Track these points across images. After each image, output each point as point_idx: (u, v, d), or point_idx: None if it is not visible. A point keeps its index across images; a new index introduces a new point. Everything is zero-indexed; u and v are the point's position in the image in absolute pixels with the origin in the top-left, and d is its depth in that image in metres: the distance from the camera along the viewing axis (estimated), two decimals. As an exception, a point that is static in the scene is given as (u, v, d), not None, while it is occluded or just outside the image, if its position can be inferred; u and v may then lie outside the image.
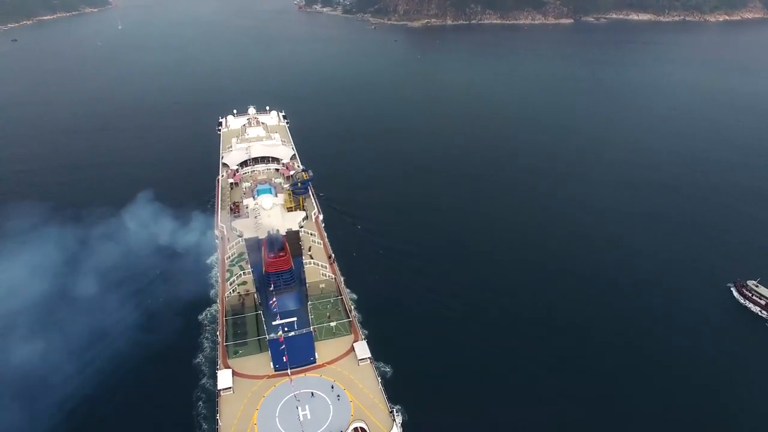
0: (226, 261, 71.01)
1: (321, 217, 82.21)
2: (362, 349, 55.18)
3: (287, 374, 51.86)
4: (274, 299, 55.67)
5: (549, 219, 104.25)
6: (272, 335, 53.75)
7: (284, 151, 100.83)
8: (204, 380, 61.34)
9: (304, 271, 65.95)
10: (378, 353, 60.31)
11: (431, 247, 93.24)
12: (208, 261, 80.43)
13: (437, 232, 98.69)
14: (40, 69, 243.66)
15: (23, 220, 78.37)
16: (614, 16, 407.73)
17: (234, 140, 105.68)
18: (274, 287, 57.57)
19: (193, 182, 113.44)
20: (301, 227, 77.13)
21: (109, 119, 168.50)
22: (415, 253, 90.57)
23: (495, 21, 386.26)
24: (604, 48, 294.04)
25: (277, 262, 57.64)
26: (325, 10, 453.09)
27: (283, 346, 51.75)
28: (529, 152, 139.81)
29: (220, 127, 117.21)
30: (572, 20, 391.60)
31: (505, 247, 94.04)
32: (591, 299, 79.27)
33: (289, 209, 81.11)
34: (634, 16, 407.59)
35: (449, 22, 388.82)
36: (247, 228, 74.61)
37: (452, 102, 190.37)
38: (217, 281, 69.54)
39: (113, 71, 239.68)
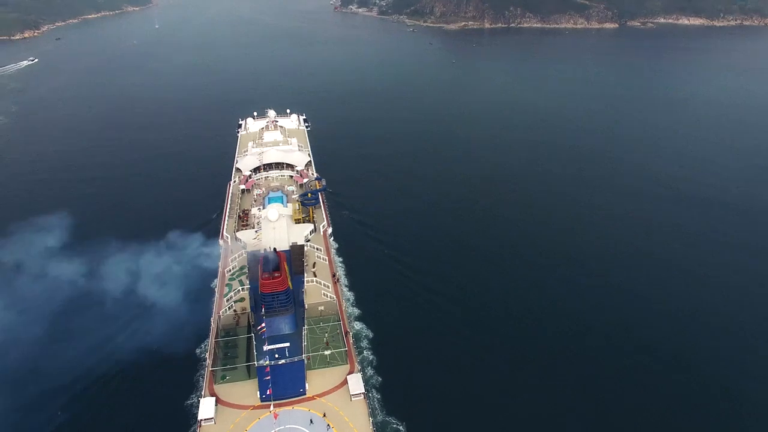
0: (226, 274, 68.01)
1: (330, 230, 78.27)
2: (356, 383, 50.73)
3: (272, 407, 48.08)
4: (263, 325, 51.90)
5: (611, 237, 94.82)
6: (261, 362, 50.18)
7: (299, 157, 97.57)
8: (188, 405, 57.52)
9: (304, 291, 62.19)
10: (379, 390, 56.18)
11: (462, 273, 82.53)
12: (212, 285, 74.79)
13: (474, 257, 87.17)
14: (74, 69, 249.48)
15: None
16: (663, 20, 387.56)
17: (250, 144, 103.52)
18: (266, 310, 53.88)
19: (209, 187, 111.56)
20: (308, 241, 73.43)
21: (132, 120, 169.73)
22: (439, 275, 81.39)
23: (535, 25, 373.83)
24: (652, 55, 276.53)
25: (272, 283, 53.96)
26: (360, 10, 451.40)
27: (268, 377, 47.99)
28: (572, 166, 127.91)
29: (239, 129, 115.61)
30: (617, 25, 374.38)
31: (558, 277, 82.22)
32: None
33: (297, 221, 77.43)
34: (685, 21, 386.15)
35: (487, 25, 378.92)
36: (251, 239, 71.57)
37: (485, 111, 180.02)
38: (214, 295, 66.33)
39: (144, 71, 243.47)
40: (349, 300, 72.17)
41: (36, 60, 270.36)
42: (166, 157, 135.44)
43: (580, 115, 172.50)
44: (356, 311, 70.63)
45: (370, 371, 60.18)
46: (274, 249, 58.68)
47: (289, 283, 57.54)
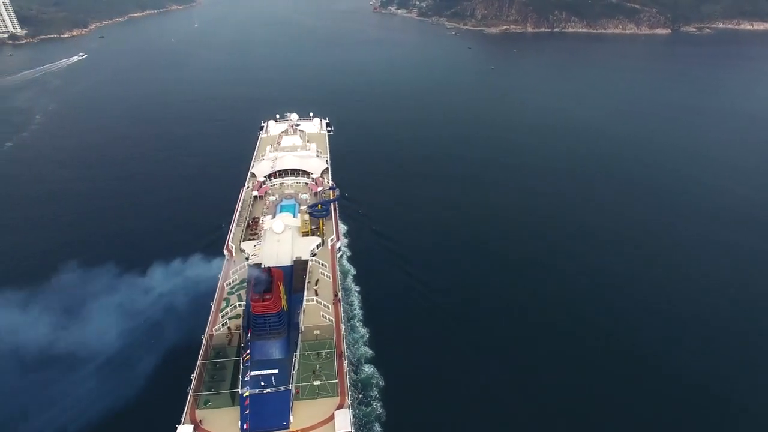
0: (225, 287, 65.09)
1: (339, 244, 74.13)
2: (343, 420, 46.29)
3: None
4: (247, 352, 48.38)
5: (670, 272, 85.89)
6: (246, 390, 46.79)
7: (316, 164, 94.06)
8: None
9: (302, 312, 58.39)
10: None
11: (492, 304, 74.30)
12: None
13: (506, 287, 79.18)
14: (113, 67, 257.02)
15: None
16: (721, 25, 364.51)
17: (268, 148, 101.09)
18: (256, 332, 50.36)
19: (228, 191, 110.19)
20: (314, 255, 69.64)
21: (161, 117, 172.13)
22: (464, 303, 73.83)
23: (580, 30, 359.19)
24: (709, 64, 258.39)
25: (262, 306, 50.41)
26: (399, 12, 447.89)
27: (248, 411, 44.43)
28: (622, 189, 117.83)
29: (261, 132, 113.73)
30: (669, 31, 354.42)
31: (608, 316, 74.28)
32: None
33: (305, 233, 73.79)
34: (746, 26, 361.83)
35: (529, 29, 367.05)
36: (256, 250, 68.55)
37: (522, 123, 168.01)
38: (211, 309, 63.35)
39: (178, 69, 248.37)
40: (362, 337, 66.74)
41: (85, 56, 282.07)
42: (189, 157, 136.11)
43: (631, 133, 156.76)
44: (368, 351, 64.33)
45: (365, 408, 55.75)
46: (268, 268, 54.96)
47: (284, 304, 53.81)
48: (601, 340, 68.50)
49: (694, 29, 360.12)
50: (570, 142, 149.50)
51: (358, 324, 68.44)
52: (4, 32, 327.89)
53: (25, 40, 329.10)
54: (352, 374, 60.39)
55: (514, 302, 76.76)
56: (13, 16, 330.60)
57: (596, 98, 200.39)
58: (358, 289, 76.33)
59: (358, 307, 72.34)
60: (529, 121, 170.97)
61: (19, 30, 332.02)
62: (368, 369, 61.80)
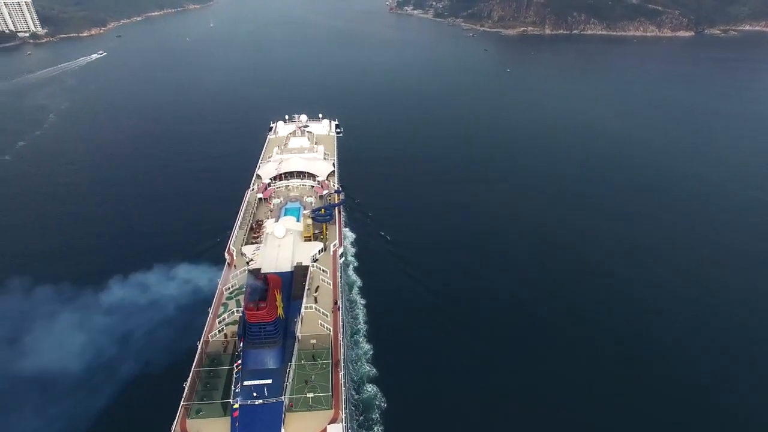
0: (224, 292, 63.85)
1: (341, 250, 72.35)
2: None
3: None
4: (238, 363, 46.98)
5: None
6: (237, 400, 45.41)
7: (323, 166, 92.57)
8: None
9: (299, 320, 56.84)
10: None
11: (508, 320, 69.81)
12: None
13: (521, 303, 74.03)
14: (128, 66, 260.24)
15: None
16: (748, 27, 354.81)
17: (275, 149, 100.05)
18: (250, 341, 48.97)
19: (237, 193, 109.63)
20: (315, 261, 68.11)
21: (172, 117, 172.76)
22: (475, 318, 69.34)
23: (600, 32, 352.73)
24: (735, 68, 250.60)
25: (257, 315, 48.97)
26: (416, 12, 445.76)
27: (238, 424, 43.01)
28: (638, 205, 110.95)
29: (269, 132, 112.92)
30: (692, 33, 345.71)
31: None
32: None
33: (307, 238, 72.29)
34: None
35: (548, 31, 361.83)
36: (257, 255, 67.31)
37: (537, 129, 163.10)
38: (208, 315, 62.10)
39: (191, 68, 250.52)
40: (365, 354, 63.66)
41: (105, 53, 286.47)
42: (199, 158, 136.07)
43: (651, 141, 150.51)
44: (371, 370, 61.02)
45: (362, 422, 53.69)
46: (264, 275, 53.53)
47: (280, 312, 52.33)
48: (624, 349, 66.00)
49: (718, 31, 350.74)
50: (585, 147, 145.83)
51: (361, 339, 65.57)
52: (25, 31, 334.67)
53: (45, 39, 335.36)
54: (353, 393, 58.43)
55: (539, 326, 70.23)
56: (35, 16, 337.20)
57: (614, 103, 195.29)
58: (363, 302, 73.35)
59: (362, 321, 69.28)
60: (545, 125, 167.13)
61: (40, 29, 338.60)
62: (370, 389, 58.88)
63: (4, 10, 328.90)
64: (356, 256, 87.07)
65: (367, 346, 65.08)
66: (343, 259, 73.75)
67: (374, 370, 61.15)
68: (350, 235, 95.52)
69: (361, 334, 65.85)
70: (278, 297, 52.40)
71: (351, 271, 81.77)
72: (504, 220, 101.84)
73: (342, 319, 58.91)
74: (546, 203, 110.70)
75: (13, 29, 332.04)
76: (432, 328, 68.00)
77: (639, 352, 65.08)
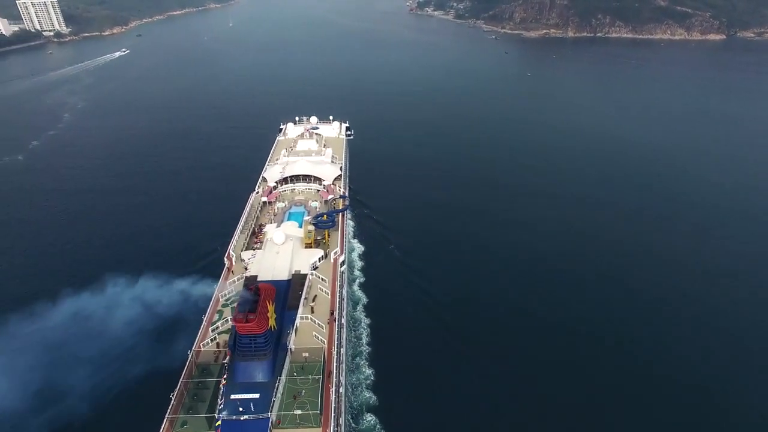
0: (220, 299, 62.17)
1: (342, 258, 70.09)
2: None
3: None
4: (224, 377, 45.05)
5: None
6: (222, 416, 43.55)
7: (329, 170, 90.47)
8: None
9: (293, 332, 54.67)
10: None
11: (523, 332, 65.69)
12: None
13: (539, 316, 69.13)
14: (146, 65, 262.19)
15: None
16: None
17: (283, 152, 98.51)
18: (235, 354, 47.02)
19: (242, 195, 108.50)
20: (315, 269, 65.93)
21: (186, 116, 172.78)
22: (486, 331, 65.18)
23: (625, 35, 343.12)
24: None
25: (246, 327, 47.00)
26: (436, 13, 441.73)
27: (221, 439, 41.07)
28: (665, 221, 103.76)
29: (279, 134, 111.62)
30: (724, 36, 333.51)
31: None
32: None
33: (308, 245, 70.17)
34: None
35: (570, 34, 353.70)
36: (255, 261, 65.54)
37: (557, 138, 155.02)
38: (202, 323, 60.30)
39: (208, 67, 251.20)
40: (366, 380, 60.02)
41: (128, 51, 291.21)
42: (209, 159, 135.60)
43: (677, 153, 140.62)
44: (372, 397, 57.11)
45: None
46: (255, 285, 51.51)
47: (272, 323, 50.28)
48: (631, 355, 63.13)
49: (752, 34, 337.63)
50: (604, 155, 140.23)
51: (363, 363, 61.66)
52: (50, 30, 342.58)
53: (68, 38, 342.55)
54: (350, 421, 55.98)
55: (564, 359, 63.71)
56: (60, 15, 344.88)
57: (639, 108, 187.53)
58: (368, 321, 69.53)
59: (365, 343, 65.42)
60: (565, 133, 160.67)
61: (64, 28, 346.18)
62: (370, 419, 55.31)
63: (31, 10, 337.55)
64: (363, 270, 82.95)
65: (368, 371, 61.18)
66: (345, 267, 71.30)
67: (375, 397, 57.06)
68: (358, 247, 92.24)
69: (363, 357, 61.62)
70: (270, 308, 50.22)
71: (356, 287, 78.20)
72: (530, 232, 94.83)
73: (338, 332, 56.40)
74: (587, 219, 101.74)
75: (39, 28, 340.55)
76: (442, 353, 62.58)
77: (666, 371, 61.35)
